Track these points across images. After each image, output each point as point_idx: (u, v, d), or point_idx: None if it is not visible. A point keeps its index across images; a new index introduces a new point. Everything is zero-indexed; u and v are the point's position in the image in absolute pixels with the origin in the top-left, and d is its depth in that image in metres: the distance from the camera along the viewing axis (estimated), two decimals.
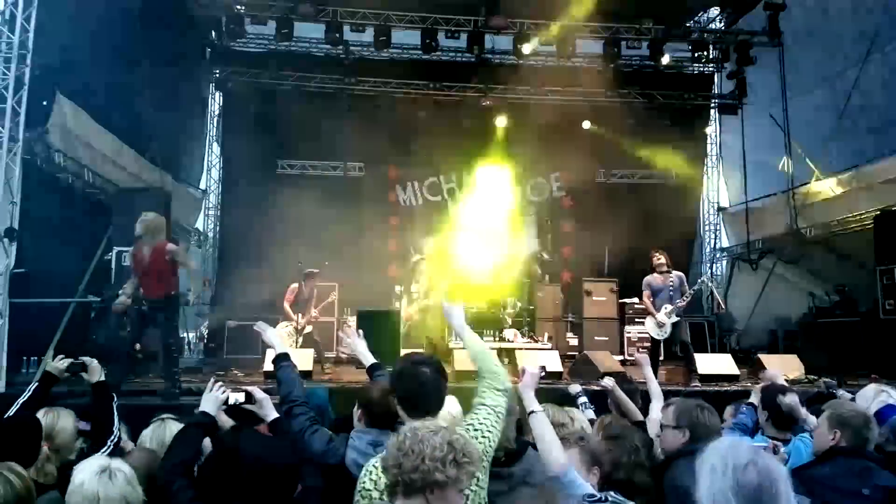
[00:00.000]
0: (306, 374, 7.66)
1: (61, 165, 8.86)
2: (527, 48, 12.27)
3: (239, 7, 12.02)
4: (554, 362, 8.49)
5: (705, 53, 13.04)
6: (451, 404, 3.22)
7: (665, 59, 12.59)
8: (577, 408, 4.16)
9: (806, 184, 11.82)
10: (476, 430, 2.49)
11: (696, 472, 1.92)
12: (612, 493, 2.42)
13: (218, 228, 14.23)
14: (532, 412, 2.67)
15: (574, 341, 11.43)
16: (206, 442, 2.87)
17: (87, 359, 3.58)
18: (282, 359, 3.25)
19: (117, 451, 3.17)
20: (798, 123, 12.06)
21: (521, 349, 9.35)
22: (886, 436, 3.46)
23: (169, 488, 2.44)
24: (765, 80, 12.78)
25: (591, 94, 12.98)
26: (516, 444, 2.95)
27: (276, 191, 12.40)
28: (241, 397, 2.93)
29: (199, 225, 14.15)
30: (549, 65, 13.11)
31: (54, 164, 8.69)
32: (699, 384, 7.82)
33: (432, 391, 2.57)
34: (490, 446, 2.50)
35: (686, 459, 2.86)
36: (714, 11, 13.72)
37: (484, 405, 2.61)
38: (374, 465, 2.38)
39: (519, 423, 3.00)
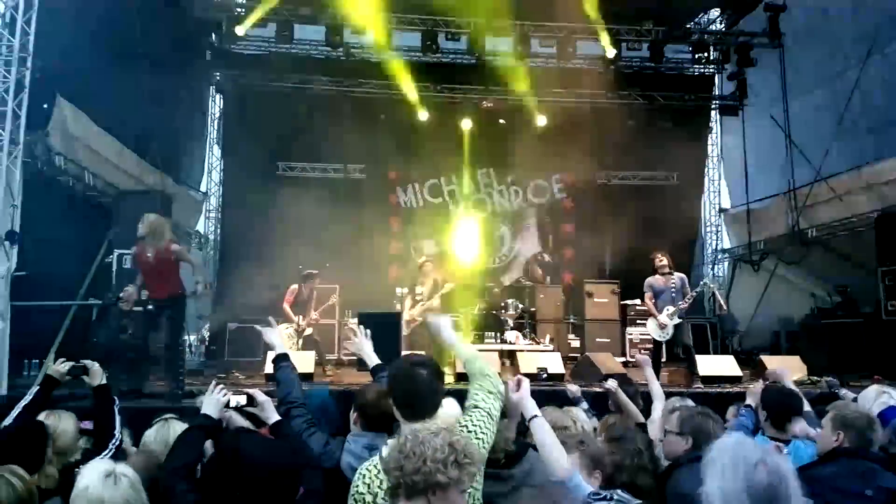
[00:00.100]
0: (307, 377, 7.65)
1: (62, 168, 8.86)
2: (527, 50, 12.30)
3: (239, 9, 12.04)
4: (556, 364, 8.49)
5: (706, 55, 13.02)
6: (451, 406, 3.22)
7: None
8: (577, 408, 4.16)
9: (807, 185, 11.81)
10: (470, 431, 2.49)
11: (700, 478, 1.91)
12: (618, 490, 2.42)
13: (219, 231, 14.23)
14: (533, 417, 2.66)
15: (576, 343, 11.40)
16: (208, 444, 2.87)
17: (88, 362, 3.57)
18: (281, 359, 3.25)
19: (119, 455, 3.17)
20: (799, 124, 12.05)
21: (522, 351, 9.36)
22: (889, 437, 3.45)
23: (171, 492, 2.43)
24: (765, 81, 12.79)
25: (591, 95, 12.99)
26: (516, 446, 2.93)
27: (277, 193, 12.40)
28: (242, 400, 2.92)
29: (200, 227, 14.16)
30: (550, 66, 13.12)
31: (55, 167, 8.69)
32: (701, 386, 7.81)
33: (428, 393, 2.54)
34: (484, 448, 2.50)
35: (689, 466, 2.85)
36: (714, 13, 13.73)
37: (477, 407, 2.61)
38: (366, 469, 2.38)
39: (520, 426, 3.00)
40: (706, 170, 15.37)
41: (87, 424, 3.40)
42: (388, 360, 3.74)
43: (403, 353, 7.96)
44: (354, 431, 2.99)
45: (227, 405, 2.89)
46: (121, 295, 6.61)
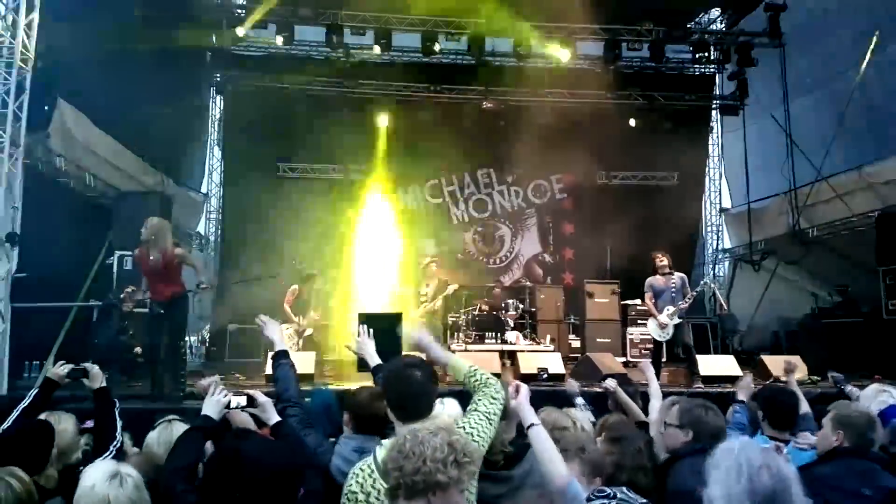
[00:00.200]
0: (308, 377, 7.66)
1: (62, 170, 8.88)
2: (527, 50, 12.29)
3: (239, 10, 12.04)
4: (556, 364, 8.49)
5: (706, 54, 13.01)
6: (453, 406, 3.22)
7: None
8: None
9: (807, 184, 11.80)
10: (467, 433, 2.50)
11: (700, 472, 1.92)
12: (623, 488, 2.42)
13: (219, 232, 14.24)
14: (531, 425, 2.66)
15: (576, 343, 11.40)
16: (208, 446, 2.87)
17: (88, 364, 3.57)
18: (281, 356, 3.24)
19: (119, 457, 3.17)
20: (799, 124, 12.04)
21: (523, 351, 9.35)
22: (889, 437, 3.45)
23: (171, 493, 2.44)
24: (766, 81, 12.78)
25: (592, 95, 12.98)
26: (514, 448, 2.93)
27: (277, 193, 12.40)
28: (242, 401, 2.92)
29: (201, 228, 14.18)
30: (550, 67, 13.12)
31: (55, 169, 8.71)
32: (702, 386, 7.81)
33: (422, 395, 2.53)
34: (480, 449, 2.50)
35: (689, 459, 2.87)
36: (715, 12, 13.73)
37: (477, 411, 2.63)
38: (360, 468, 2.38)
39: (519, 426, 2.99)
40: (707, 170, 15.38)
41: (89, 423, 3.41)
42: (388, 360, 3.75)
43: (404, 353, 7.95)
44: (346, 433, 2.99)
45: (227, 406, 2.89)
46: (122, 296, 6.62)
